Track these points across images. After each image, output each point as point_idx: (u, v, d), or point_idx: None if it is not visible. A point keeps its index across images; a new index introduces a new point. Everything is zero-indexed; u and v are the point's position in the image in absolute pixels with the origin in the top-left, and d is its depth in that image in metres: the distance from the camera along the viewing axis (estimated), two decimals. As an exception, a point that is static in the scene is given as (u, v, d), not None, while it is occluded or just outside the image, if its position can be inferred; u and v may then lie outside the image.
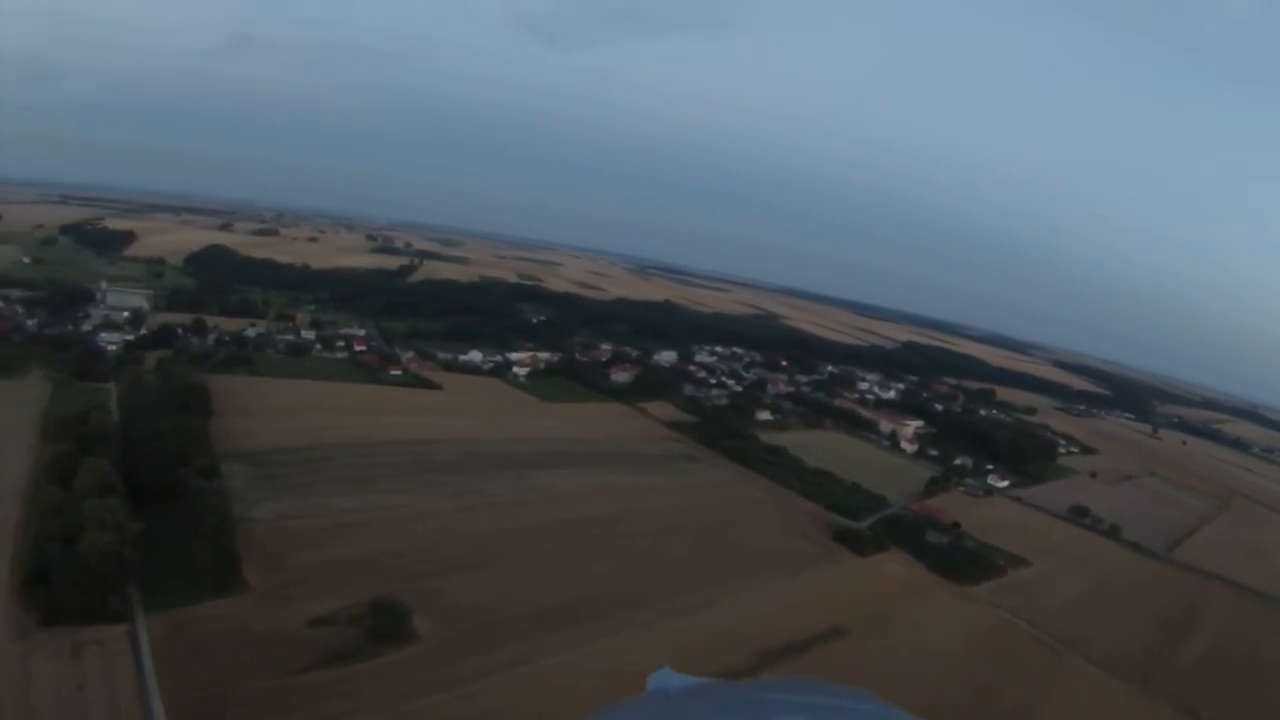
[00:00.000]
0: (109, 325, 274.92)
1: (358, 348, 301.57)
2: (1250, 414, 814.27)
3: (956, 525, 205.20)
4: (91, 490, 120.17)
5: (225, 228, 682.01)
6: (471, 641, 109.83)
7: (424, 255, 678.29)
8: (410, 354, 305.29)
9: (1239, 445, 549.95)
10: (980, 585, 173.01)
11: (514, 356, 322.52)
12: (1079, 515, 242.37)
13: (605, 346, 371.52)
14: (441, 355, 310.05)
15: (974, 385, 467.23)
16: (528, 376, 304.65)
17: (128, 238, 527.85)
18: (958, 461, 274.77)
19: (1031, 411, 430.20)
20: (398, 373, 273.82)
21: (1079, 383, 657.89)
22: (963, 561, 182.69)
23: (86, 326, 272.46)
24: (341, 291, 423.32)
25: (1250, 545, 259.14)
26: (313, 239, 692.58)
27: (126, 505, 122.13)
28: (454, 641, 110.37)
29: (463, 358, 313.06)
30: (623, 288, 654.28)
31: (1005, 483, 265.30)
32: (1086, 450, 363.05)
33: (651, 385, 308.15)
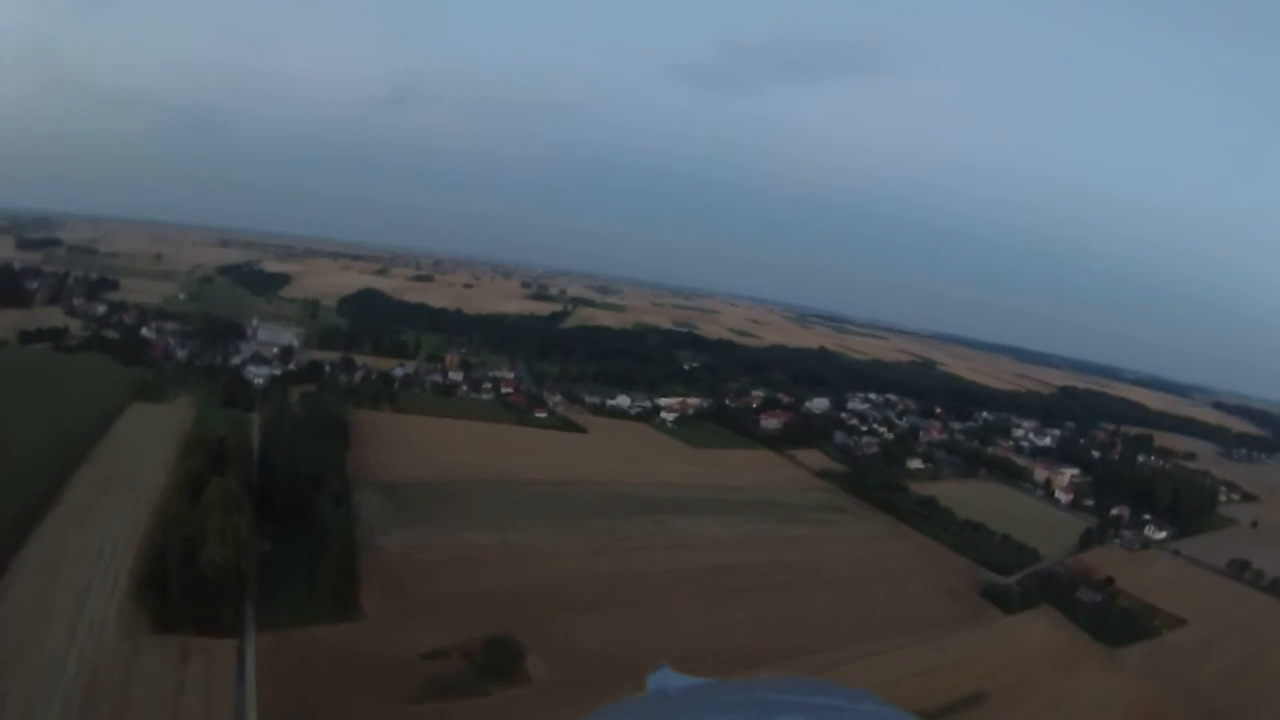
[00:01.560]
0: (258, 359, 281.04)
1: (505, 389, 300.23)
2: None
3: (1111, 581, 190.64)
4: (217, 506, 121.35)
5: (382, 273, 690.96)
6: (583, 687, 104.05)
7: (579, 301, 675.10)
8: (557, 397, 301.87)
9: None
10: (1132, 648, 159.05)
11: (663, 401, 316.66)
12: (1239, 570, 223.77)
13: (757, 393, 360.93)
14: (589, 399, 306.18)
15: (1132, 431, 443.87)
16: (676, 421, 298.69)
17: (283, 279, 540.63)
18: (1114, 512, 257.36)
19: (1191, 457, 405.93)
20: (543, 414, 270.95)
21: (1239, 425, 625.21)
22: (1115, 622, 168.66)
23: (236, 359, 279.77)
24: (493, 335, 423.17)
25: None
26: (468, 285, 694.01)
27: (252, 524, 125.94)
28: (565, 685, 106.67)
29: (610, 402, 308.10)
30: (779, 335, 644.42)
31: (1163, 534, 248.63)
32: (1247, 498, 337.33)
33: (802, 433, 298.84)
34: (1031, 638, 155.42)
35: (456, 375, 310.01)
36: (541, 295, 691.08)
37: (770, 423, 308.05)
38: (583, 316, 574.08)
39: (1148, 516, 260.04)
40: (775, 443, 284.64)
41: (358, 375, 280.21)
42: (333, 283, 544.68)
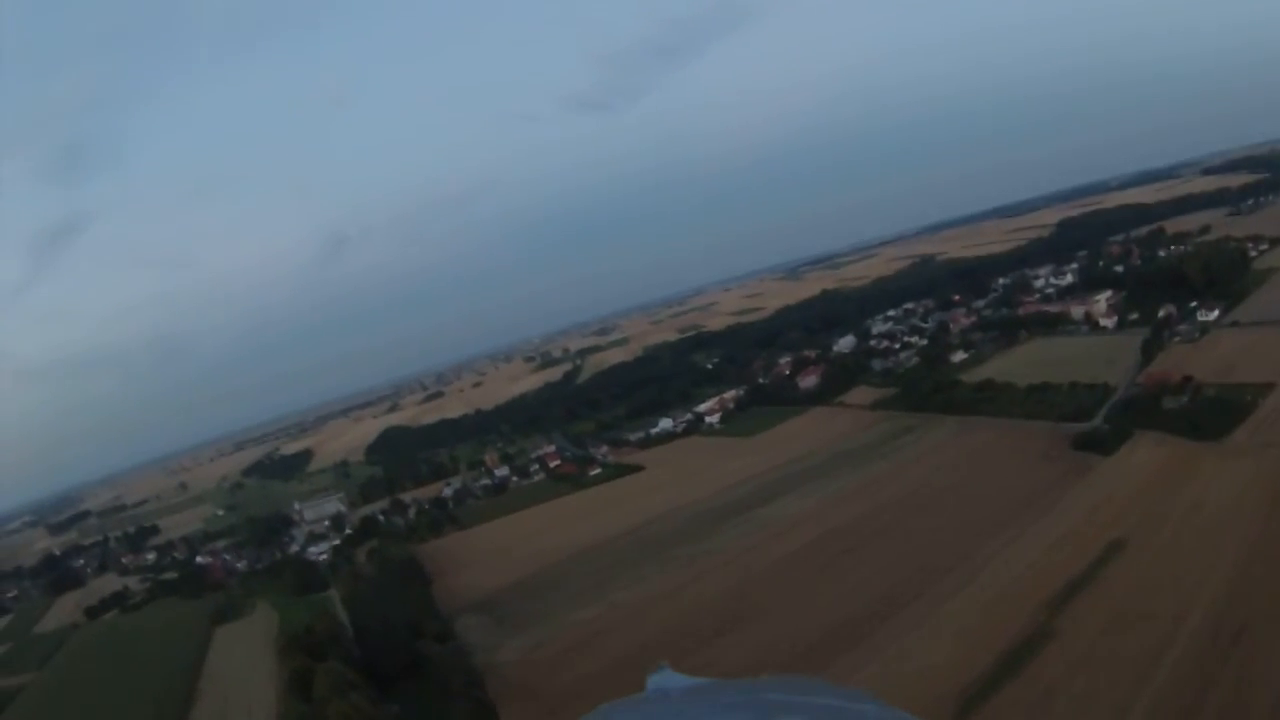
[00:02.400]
0: (314, 538, 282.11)
1: (552, 463, 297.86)
2: None
3: (1189, 379, 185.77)
4: (331, 693, 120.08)
5: (393, 409, 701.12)
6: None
7: (584, 353, 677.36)
8: (604, 448, 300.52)
9: None
10: (1237, 431, 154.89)
11: (702, 408, 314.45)
12: None
13: (784, 360, 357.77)
14: (633, 437, 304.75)
15: (1142, 232, 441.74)
16: (721, 421, 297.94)
17: (306, 455, 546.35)
18: (1161, 314, 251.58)
19: (1206, 230, 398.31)
20: (596, 471, 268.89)
21: (1237, 180, 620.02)
22: (1211, 414, 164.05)
23: (294, 548, 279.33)
24: (519, 419, 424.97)
25: None
26: (477, 384, 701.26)
27: (371, 695, 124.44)
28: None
29: (654, 430, 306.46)
30: (781, 298, 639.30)
31: (1214, 313, 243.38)
32: (1276, 242, 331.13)
33: (841, 377, 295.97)
34: (1139, 466, 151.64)
35: (502, 471, 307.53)
36: (548, 362, 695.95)
37: (808, 381, 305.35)
38: (594, 364, 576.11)
39: (1194, 304, 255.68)
40: (820, 397, 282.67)
41: (411, 512, 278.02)
42: (352, 437, 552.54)
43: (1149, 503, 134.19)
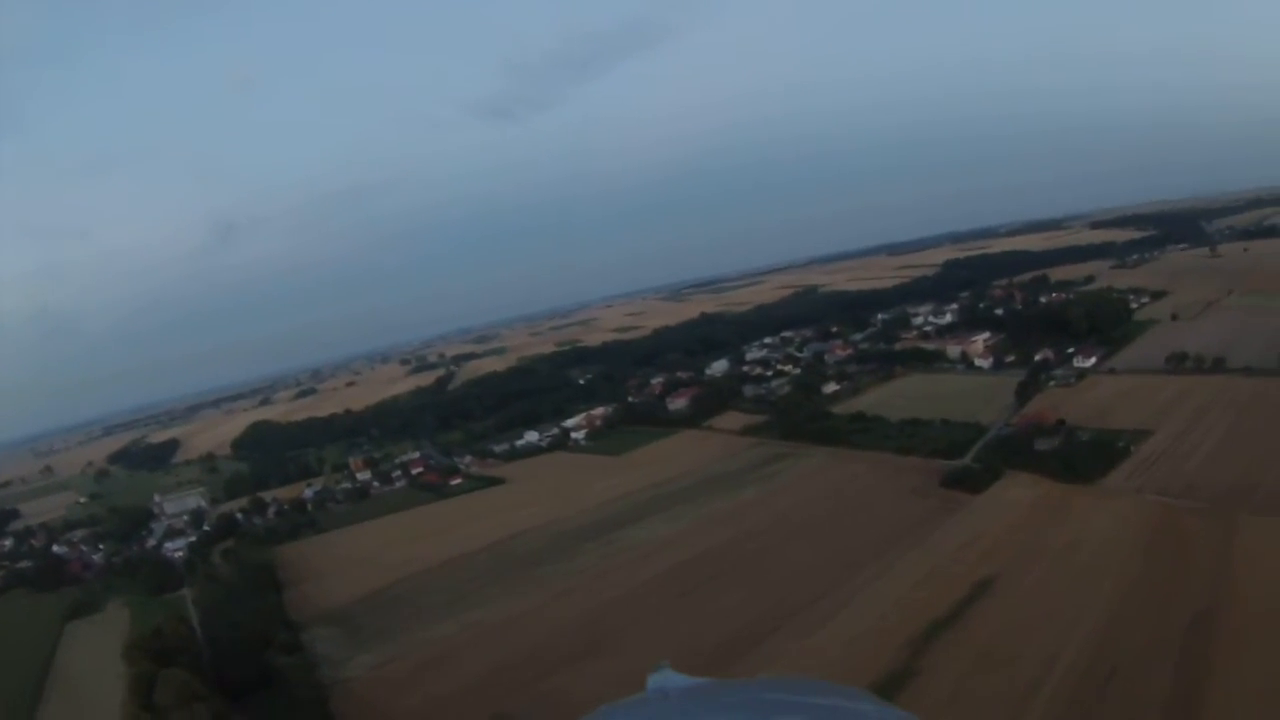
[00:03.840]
0: (173, 534, 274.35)
1: (415, 471, 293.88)
2: None
3: (1063, 422, 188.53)
4: (174, 702, 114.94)
5: (265, 403, 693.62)
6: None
7: (461, 359, 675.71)
8: (468, 459, 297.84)
9: None
10: (1113, 474, 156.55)
11: (570, 423, 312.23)
12: (1179, 362, 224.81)
13: (657, 380, 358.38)
14: (499, 449, 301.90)
15: (1026, 277, 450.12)
16: (588, 438, 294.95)
17: (174, 446, 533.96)
18: (1038, 357, 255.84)
19: (1090, 280, 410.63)
20: (459, 481, 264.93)
21: (1123, 235, 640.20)
22: (1085, 457, 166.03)
23: (152, 542, 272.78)
24: (389, 423, 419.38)
25: None
26: (350, 384, 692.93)
27: (218, 706, 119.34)
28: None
29: (520, 443, 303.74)
30: (661, 318, 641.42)
31: (1092, 359, 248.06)
32: (1157, 295, 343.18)
33: (712, 400, 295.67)
34: (1010, 505, 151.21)
35: (365, 476, 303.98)
36: (423, 367, 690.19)
37: (678, 403, 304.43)
38: (469, 372, 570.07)
39: (1071, 349, 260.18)
40: (690, 420, 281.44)
41: (270, 512, 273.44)
42: (222, 431, 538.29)
43: (1019, 542, 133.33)
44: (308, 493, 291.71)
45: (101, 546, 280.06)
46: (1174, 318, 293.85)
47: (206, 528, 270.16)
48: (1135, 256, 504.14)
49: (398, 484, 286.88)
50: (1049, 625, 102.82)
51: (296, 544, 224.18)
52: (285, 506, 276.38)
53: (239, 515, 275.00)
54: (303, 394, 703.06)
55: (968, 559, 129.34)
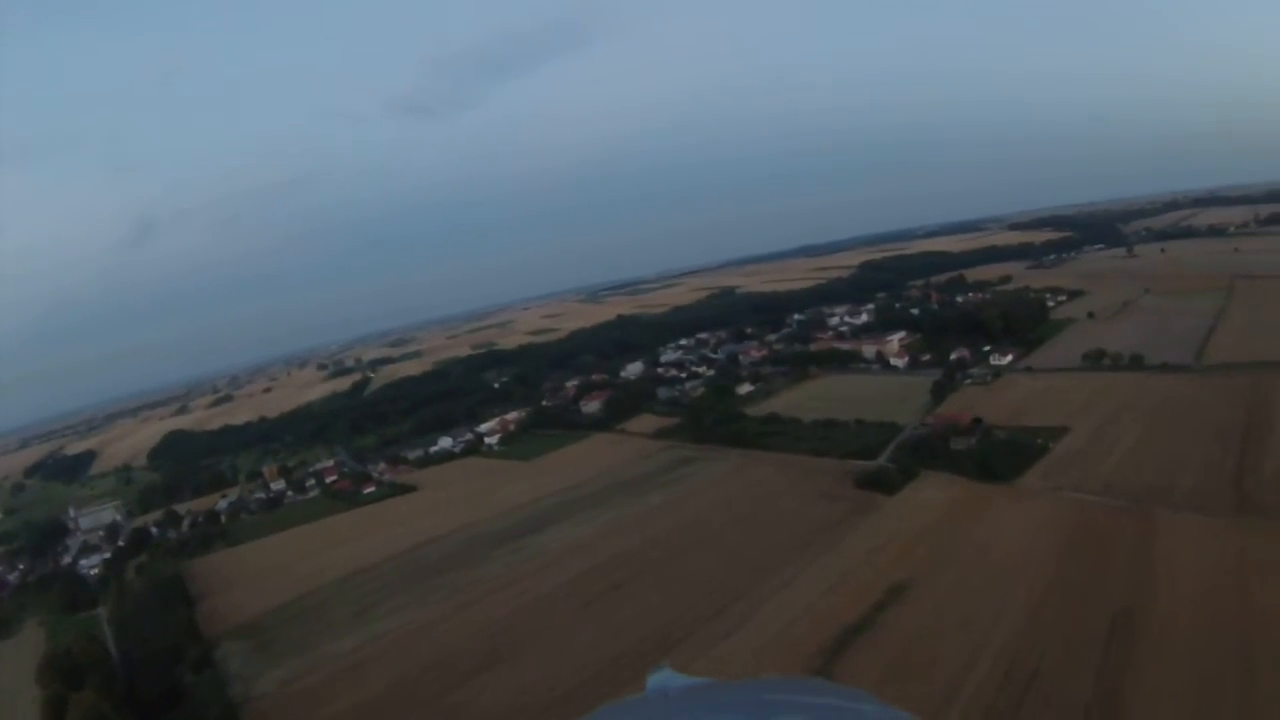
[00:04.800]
0: (88, 549, 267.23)
1: (329, 479, 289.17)
2: (1211, 200, 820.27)
3: (979, 421, 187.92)
4: None
5: (181, 411, 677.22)
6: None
7: (377, 364, 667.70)
8: (381, 465, 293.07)
9: (1215, 232, 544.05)
10: (1028, 473, 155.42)
11: (484, 428, 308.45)
12: (1096, 360, 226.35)
13: (571, 383, 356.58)
14: (412, 454, 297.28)
15: (943, 278, 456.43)
16: (501, 442, 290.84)
17: (90, 457, 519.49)
18: (954, 356, 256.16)
19: (1007, 280, 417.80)
20: (371, 489, 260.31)
21: (1041, 236, 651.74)
22: (1001, 456, 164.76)
23: (67, 558, 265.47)
24: (304, 430, 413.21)
25: (1276, 319, 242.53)
26: (267, 389, 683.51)
27: None
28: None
29: (434, 449, 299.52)
30: (578, 320, 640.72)
31: (1008, 358, 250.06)
32: (1074, 295, 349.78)
33: (625, 403, 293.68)
34: (925, 507, 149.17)
35: (278, 485, 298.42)
36: (340, 371, 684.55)
37: (591, 406, 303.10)
38: (385, 376, 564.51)
39: (988, 349, 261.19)
40: (603, 423, 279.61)
41: (184, 524, 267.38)
42: (138, 439, 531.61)
43: (934, 544, 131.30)
44: (222, 503, 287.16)
45: (20, 566, 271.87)
46: (1091, 316, 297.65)
47: (121, 542, 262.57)
48: (1053, 257, 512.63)
49: (311, 492, 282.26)
50: (965, 630, 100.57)
51: (209, 557, 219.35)
52: (200, 518, 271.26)
53: (154, 528, 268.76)
54: (220, 400, 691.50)
55: (881, 562, 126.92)
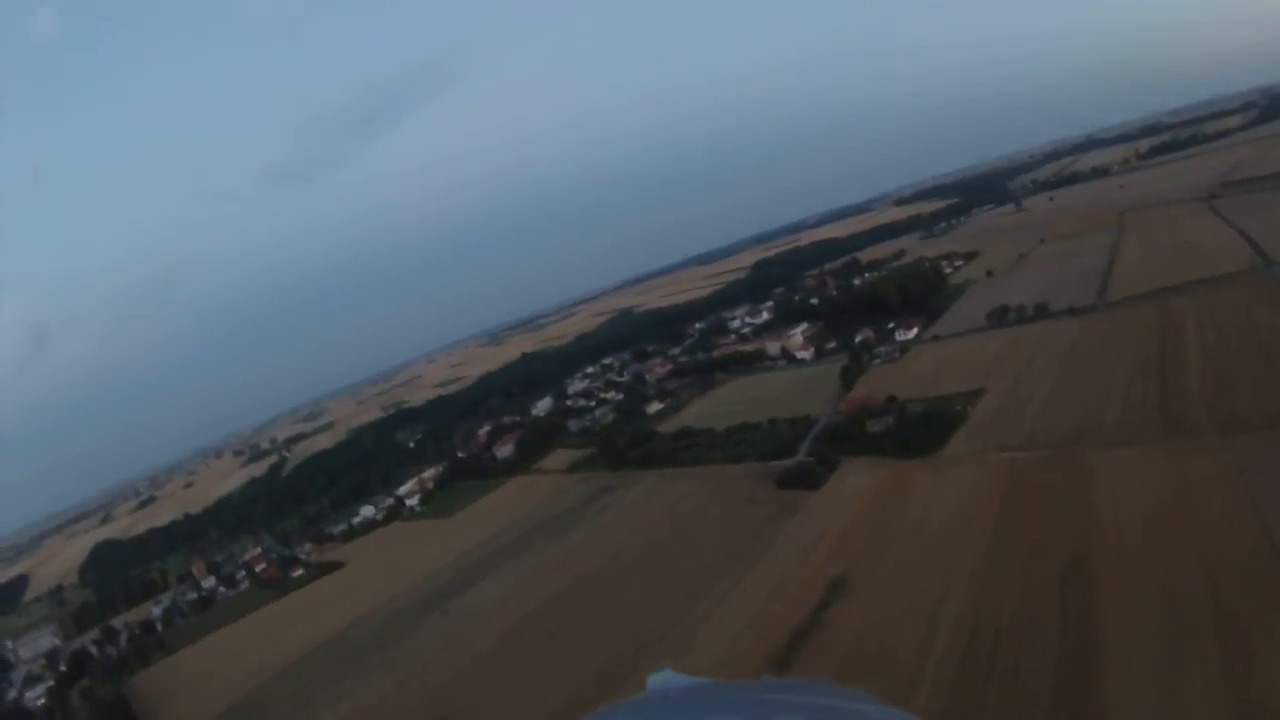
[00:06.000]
0: (31, 680, 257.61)
1: (257, 568, 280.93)
2: (1091, 144, 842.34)
3: (893, 399, 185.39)
4: None
5: (106, 521, 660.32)
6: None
7: (291, 441, 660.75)
8: (307, 545, 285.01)
9: (1099, 173, 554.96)
10: (951, 441, 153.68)
11: (402, 490, 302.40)
12: (1001, 317, 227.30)
13: (482, 430, 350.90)
14: (336, 529, 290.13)
15: (837, 263, 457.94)
16: (421, 502, 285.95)
17: (23, 582, 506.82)
18: (859, 339, 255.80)
19: (900, 255, 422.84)
20: (300, 572, 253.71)
21: (929, 207, 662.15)
22: (920, 430, 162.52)
23: (12, 693, 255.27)
24: (227, 522, 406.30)
25: (1169, 244, 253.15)
26: (188, 485, 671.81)
27: None
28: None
29: (356, 520, 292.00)
30: (483, 365, 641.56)
31: (913, 331, 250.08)
32: (970, 257, 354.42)
33: (537, 442, 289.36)
34: (851, 495, 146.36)
35: (209, 582, 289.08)
36: (256, 455, 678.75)
37: (504, 450, 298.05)
38: (301, 453, 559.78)
39: (891, 325, 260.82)
40: (518, 465, 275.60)
41: (123, 639, 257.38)
42: (68, 557, 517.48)
43: (868, 532, 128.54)
44: (155, 610, 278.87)
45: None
46: (989, 275, 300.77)
47: (63, 667, 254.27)
48: (943, 225, 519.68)
49: (242, 585, 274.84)
50: (915, 612, 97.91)
51: (149, 670, 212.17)
52: (136, 629, 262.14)
53: (92, 647, 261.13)
54: (143, 504, 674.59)
55: (816, 560, 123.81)
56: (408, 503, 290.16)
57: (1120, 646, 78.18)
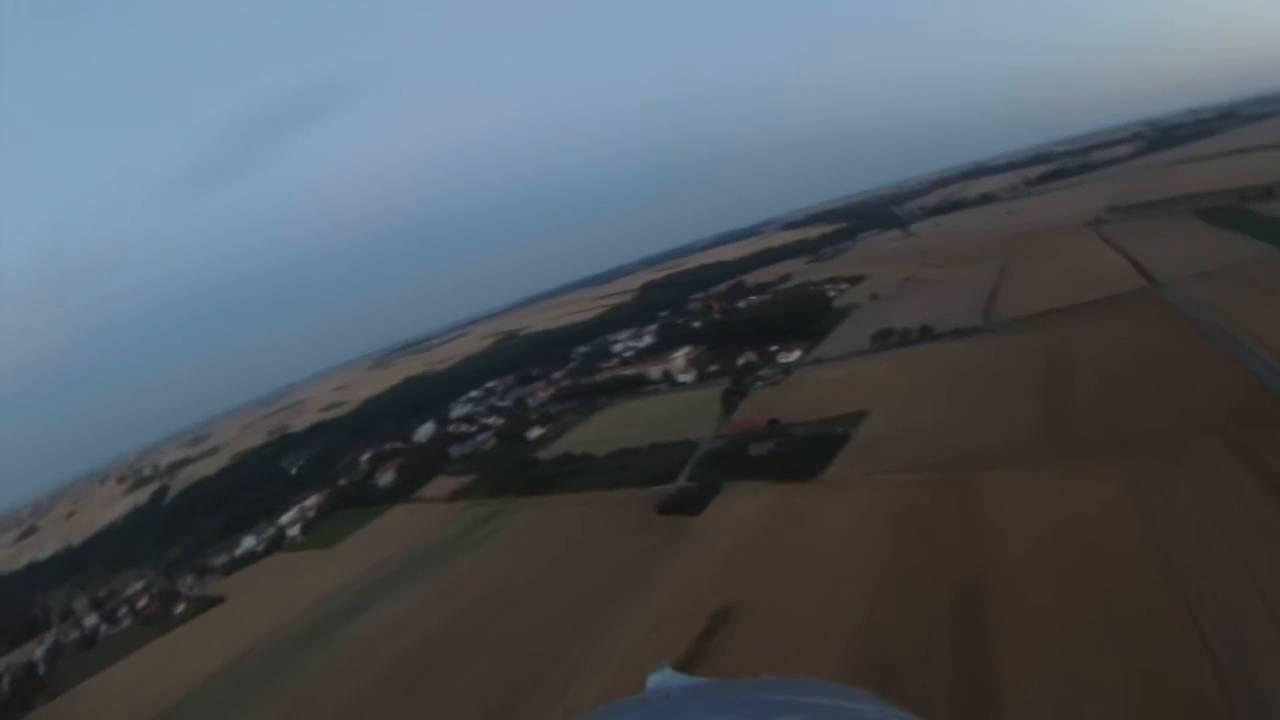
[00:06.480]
0: None
1: (139, 604, 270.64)
2: (979, 172, 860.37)
3: (775, 422, 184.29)
4: None
5: None
6: None
7: (176, 467, 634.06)
8: (189, 578, 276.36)
9: (987, 199, 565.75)
10: (835, 464, 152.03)
11: (285, 519, 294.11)
12: (885, 339, 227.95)
13: (364, 457, 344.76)
14: (218, 561, 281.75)
15: (723, 287, 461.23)
16: (303, 531, 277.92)
17: None
18: (741, 362, 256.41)
19: (786, 278, 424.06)
20: (183, 607, 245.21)
21: (816, 231, 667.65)
22: (804, 453, 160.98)
23: None
24: (109, 553, 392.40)
25: (1056, 268, 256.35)
26: (71, 513, 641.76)
27: None
28: None
29: (239, 551, 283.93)
30: (369, 388, 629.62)
31: (796, 354, 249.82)
32: (855, 280, 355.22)
33: (420, 468, 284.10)
34: (733, 520, 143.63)
35: (91, 619, 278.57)
36: (140, 482, 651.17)
37: (386, 477, 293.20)
38: (185, 479, 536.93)
39: (775, 348, 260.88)
40: (400, 493, 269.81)
41: (5, 682, 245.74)
42: None
43: (751, 557, 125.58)
44: (38, 651, 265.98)
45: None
46: (874, 298, 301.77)
47: None
48: (830, 249, 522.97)
49: (124, 622, 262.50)
50: (803, 642, 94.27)
51: (30, 716, 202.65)
52: (19, 673, 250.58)
53: None
54: (25, 534, 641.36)
55: (699, 589, 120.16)
56: (289, 532, 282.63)
57: (1016, 671, 76.56)
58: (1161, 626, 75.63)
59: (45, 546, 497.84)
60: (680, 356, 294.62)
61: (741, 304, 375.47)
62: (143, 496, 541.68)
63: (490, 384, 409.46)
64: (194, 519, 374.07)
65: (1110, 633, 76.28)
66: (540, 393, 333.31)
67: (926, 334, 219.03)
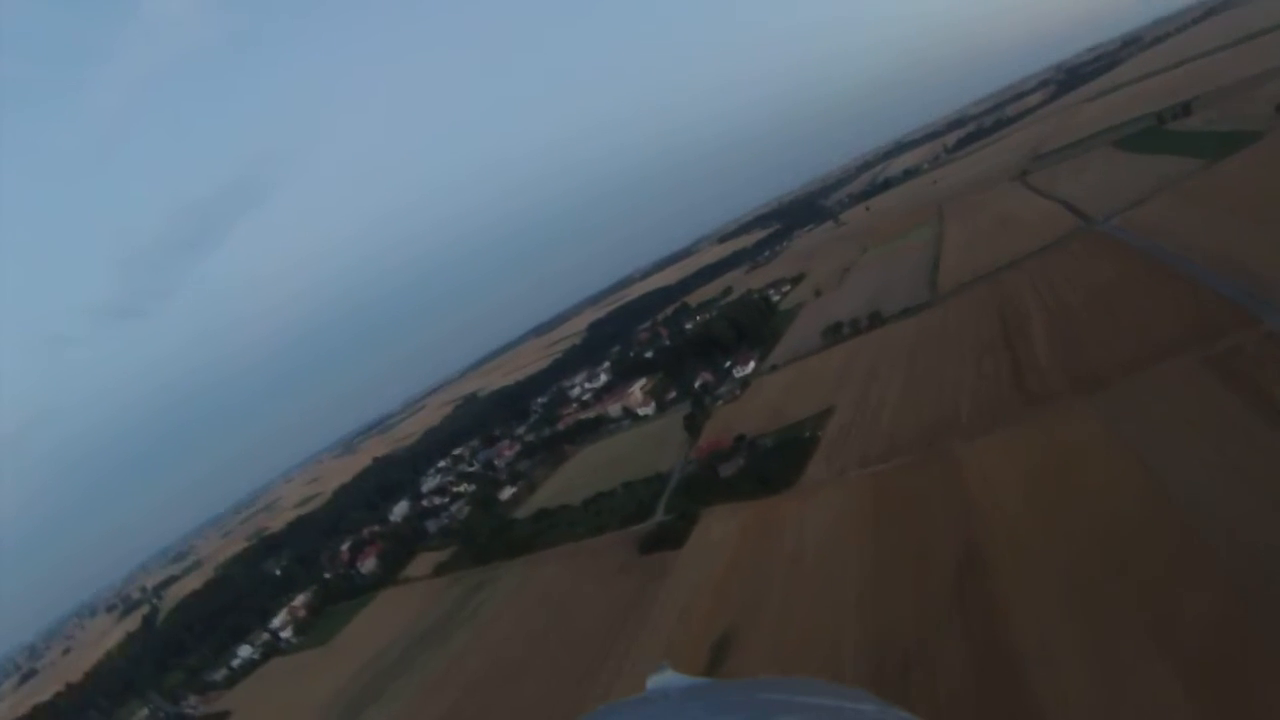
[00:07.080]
0: None
1: None
2: (899, 148, 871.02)
3: (742, 438, 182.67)
4: None
5: None
6: None
7: (162, 587, 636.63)
8: (193, 699, 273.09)
9: (910, 174, 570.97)
10: (809, 468, 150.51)
11: (276, 623, 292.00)
12: (836, 333, 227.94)
13: (344, 547, 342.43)
14: (219, 675, 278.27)
15: (668, 312, 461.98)
16: (296, 632, 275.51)
17: None
18: (698, 384, 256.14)
19: (728, 291, 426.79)
20: None
21: (751, 238, 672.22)
22: (775, 464, 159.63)
23: None
24: (111, 687, 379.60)
25: (991, 227, 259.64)
26: (66, 651, 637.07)
27: None
28: None
29: (236, 663, 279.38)
30: (339, 477, 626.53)
31: (750, 365, 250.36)
32: (796, 280, 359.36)
33: (399, 549, 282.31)
34: (717, 545, 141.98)
35: None
36: (131, 607, 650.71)
37: (368, 563, 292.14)
38: (173, 598, 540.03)
39: (728, 363, 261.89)
40: (385, 578, 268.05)
41: None
42: None
43: (743, 578, 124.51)
44: None
45: None
46: (818, 294, 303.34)
47: None
48: (766, 253, 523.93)
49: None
50: (812, 651, 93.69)
51: None
52: None
53: None
54: (25, 679, 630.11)
55: (695, 621, 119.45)
56: (282, 635, 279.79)
57: (1033, 630, 74.95)
58: (1167, 554, 74.43)
59: (47, 688, 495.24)
60: (636, 389, 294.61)
61: (688, 325, 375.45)
62: (134, 622, 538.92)
63: (456, 451, 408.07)
64: (188, 637, 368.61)
65: (1117, 571, 75.36)
66: (506, 451, 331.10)
67: (876, 319, 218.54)
